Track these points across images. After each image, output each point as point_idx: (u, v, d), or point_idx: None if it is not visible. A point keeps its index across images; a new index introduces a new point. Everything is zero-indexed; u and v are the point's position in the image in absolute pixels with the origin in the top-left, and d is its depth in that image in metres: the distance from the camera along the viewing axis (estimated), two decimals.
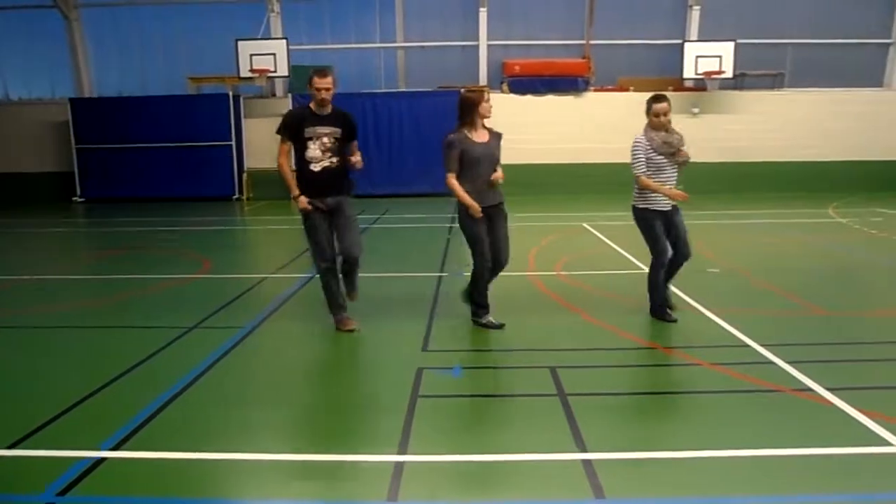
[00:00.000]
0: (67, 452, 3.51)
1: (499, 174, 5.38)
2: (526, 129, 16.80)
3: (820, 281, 7.62)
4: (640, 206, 5.69)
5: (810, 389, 4.25)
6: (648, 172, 5.58)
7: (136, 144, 17.55)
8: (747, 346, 5.17)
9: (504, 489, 3.22)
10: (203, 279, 8.04)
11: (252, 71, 16.76)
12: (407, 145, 17.50)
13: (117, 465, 3.41)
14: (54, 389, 4.49)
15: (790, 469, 3.32)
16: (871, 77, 18.25)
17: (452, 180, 5.36)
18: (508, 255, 5.61)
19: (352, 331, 5.65)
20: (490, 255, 5.49)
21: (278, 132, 5.48)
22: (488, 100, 5.37)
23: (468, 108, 5.33)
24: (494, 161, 5.41)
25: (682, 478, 3.26)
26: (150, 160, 17.62)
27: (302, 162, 5.41)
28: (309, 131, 5.33)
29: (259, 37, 17.52)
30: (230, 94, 17.39)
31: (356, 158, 5.49)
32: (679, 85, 17.47)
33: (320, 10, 18.55)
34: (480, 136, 5.37)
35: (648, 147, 5.55)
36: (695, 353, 5.11)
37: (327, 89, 5.28)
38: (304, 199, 5.42)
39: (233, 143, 17.48)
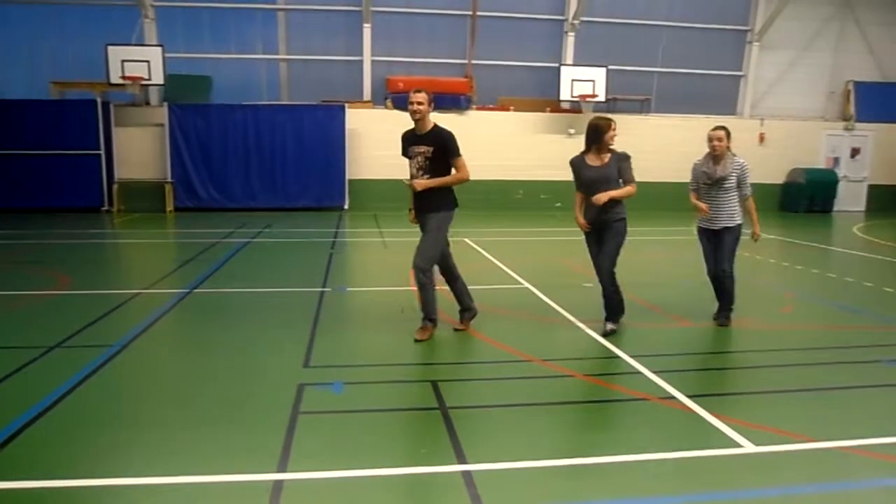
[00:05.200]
0: None
1: (598, 196, 5.68)
2: None
3: (681, 294, 8.17)
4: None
5: (673, 397, 4.55)
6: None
7: None
8: (617, 357, 5.47)
9: None
10: (67, 295, 7.53)
11: (124, 78, 15.90)
12: (290, 159, 17.24)
13: None
14: None
15: (655, 472, 3.53)
16: (726, 106, 19.88)
17: (576, 196, 6.05)
18: (606, 267, 5.93)
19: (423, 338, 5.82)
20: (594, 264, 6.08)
21: None
22: (614, 128, 5.79)
23: (594, 134, 5.75)
24: (610, 181, 5.78)
25: (558, 485, 3.40)
26: (8, 168, 16.28)
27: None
28: (410, 150, 5.84)
29: (132, 43, 16.70)
30: (98, 100, 16.44)
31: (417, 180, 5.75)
32: (556, 106, 18.29)
33: (199, 18, 17.90)
34: (598, 160, 5.82)
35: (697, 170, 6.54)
36: (569, 364, 5.35)
37: (419, 102, 5.61)
38: (412, 214, 5.99)
39: (101, 151, 16.47)
